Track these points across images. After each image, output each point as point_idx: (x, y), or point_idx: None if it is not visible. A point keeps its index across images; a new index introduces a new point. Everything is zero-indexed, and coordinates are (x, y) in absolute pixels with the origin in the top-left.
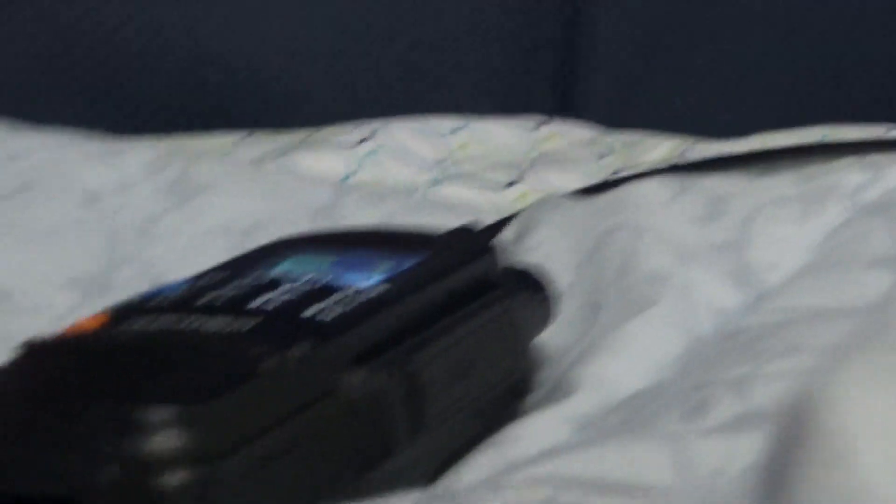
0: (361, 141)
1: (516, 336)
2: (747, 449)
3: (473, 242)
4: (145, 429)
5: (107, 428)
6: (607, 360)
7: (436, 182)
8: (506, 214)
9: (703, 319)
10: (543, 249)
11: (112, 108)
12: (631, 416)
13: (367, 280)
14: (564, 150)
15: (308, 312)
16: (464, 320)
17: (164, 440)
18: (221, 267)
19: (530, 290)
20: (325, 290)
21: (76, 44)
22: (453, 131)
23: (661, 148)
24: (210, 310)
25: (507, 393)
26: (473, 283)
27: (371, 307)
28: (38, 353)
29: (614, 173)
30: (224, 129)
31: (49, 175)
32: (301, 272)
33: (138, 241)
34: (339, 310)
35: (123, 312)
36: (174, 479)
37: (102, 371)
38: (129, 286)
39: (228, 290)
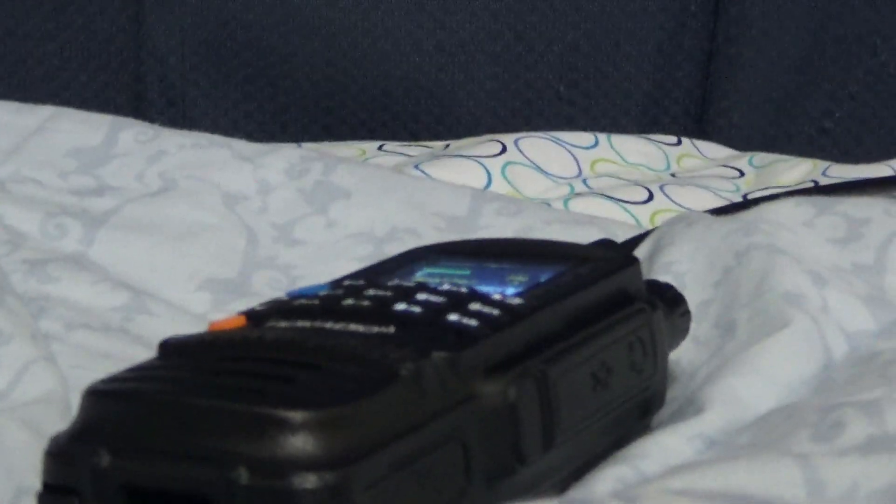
0: (496, 154)
1: (654, 351)
2: (879, 471)
3: (616, 255)
4: (281, 431)
5: (243, 429)
6: (739, 379)
7: (569, 197)
8: (640, 231)
9: (836, 342)
10: (678, 267)
11: (256, 111)
12: (761, 436)
13: (506, 289)
14: (699, 169)
15: (447, 319)
16: (602, 333)
17: (299, 443)
18: (360, 273)
19: (669, 304)
20: (464, 299)
21: (231, 40)
22: (588, 147)
23: (795, 170)
24: (348, 314)
25: (639, 407)
26: (614, 296)
27: (510, 316)
28: (176, 353)
29: (747, 194)
30: (359, 138)
31: (190, 176)
32: (440, 280)
33: (276, 245)
34: (478, 318)
35: (261, 315)
36: (308, 482)
37: (239, 372)
38: (265, 290)
39: (367, 296)
